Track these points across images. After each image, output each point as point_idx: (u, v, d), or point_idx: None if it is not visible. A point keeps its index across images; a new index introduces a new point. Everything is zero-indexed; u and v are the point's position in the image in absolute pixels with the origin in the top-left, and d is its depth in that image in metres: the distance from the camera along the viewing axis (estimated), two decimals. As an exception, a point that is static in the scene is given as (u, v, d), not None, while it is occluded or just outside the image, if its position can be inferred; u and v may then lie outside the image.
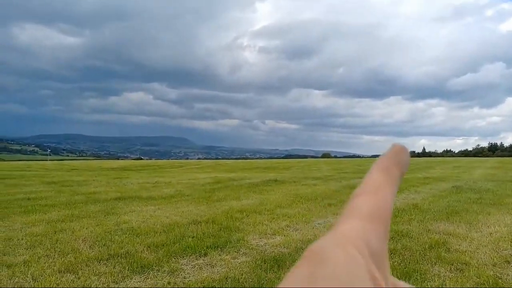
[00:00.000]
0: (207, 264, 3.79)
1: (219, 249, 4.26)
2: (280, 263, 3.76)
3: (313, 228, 5.34)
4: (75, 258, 3.96)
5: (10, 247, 4.34)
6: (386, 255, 0.32)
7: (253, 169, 17.73)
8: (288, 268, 3.59)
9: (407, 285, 0.33)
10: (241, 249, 4.28)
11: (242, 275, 3.46)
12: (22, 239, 4.72)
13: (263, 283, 3.29)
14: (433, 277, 3.34)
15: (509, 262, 3.74)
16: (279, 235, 4.89)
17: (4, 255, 4.04)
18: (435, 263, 3.69)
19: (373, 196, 0.31)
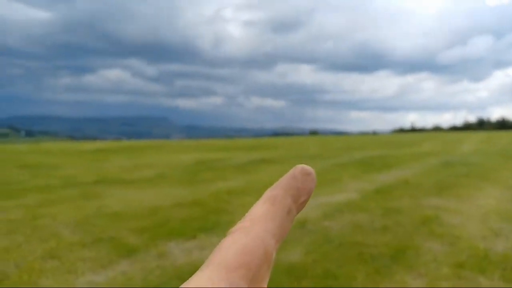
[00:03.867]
0: (197, 247, 3.68)
1: (208, 232, 4.15)
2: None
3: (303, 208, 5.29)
4: (57, 244, 3.79)
5: (-14, 235, 4.11)
6: None
7: (239, 148, 17.58)
8: (279, 248, 3.53)
9: None
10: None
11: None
12: (-1, 226, 4.48)
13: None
14: (426, 252, 3.33)
15: (497, 235, 3.78)
16: (268, 215, 4.82)
17: (-20, 244, 3.81)
18: (427, 238, 3.70)
19: (244, 236, 0.28)
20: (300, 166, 0.30)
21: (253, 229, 0.28)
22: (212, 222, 4.55)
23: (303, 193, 0.29)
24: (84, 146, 21.33)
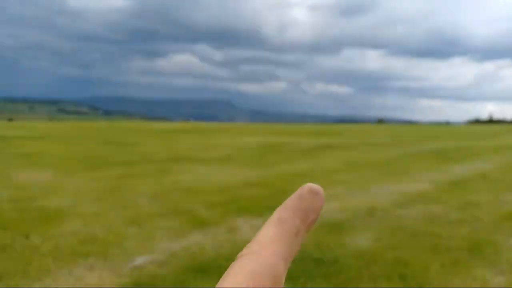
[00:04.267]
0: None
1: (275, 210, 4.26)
2: (339, 228, 3.68)
3: (370, 194, 5.18)
4: (138, 212, 4.13)
5: (81, 199, 4.61)
6: None
7: (303, 134, 17.53)
8: (347, 234, 3.51)
9: None
10: (297, 212, 4.25)
11: (301, 237, 3.42)
12: (89, 192, 4.99)
13: (323, 247, 3.23)
14: (508, 249, 3.11)
15: None
16: (335, 201, 4.79)
17: (76, 206, 4.29)
18: (509, 234, 3.44)
19: (253, 261, 0.27)
20: (308, 186, 0.29)
21: (261, 254, 0.27)
22: (279, 202, 4.56)
23: (312, 213, 0.28)
24: (157, 126, 22.67)
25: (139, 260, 2.83)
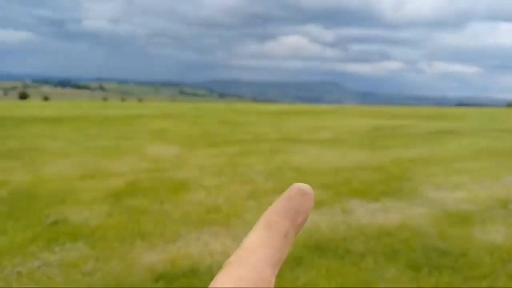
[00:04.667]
0: (380, 210, 3.66)
1: (391, 196, 4.07)
2: (465, 220, 3.36)
3: (502, 185, 4.59)
4: (254, 188, 4.36)
5: (203, 172, 5.06)
6: None
7: (419, 117, 16.21)
8: (476, 227, 3.19)
9: None
10: (415, 199, 3.99)
11: (421, 226, 3.22)
12: (210, 167, 5.44)
13: (448, 238, 2.99)
14: None
15: None
16: (460, 190, 4.37)
17: (200, 179, 4.73)
18: None
19: (240, 267, 0.26)
20: (296, 186, 0.28)
21: (248, 260, 0.26)
22: (394, 187, 4.43)
23: (301, 214, 0.27)
24: (267, 108, 23.35)
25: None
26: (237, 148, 7.02)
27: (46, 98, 73.41)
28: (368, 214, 3.55)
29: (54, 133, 8.58)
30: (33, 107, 18.60)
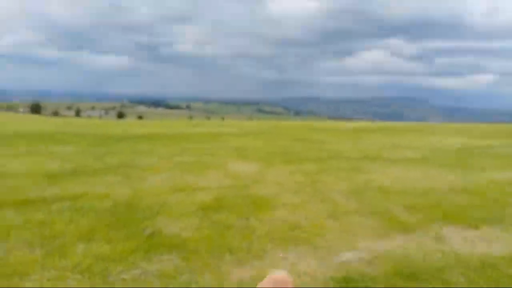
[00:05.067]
0: (480, 239, 3.34)
1: (491, 224, 3.70)
2: None
3: None
4: (334, 208, 4.27)
5: (282, 190, 5.09)
6: None
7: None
8: None
9: None
10: (521, 229, 3.58)
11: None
12: (289, 184, 5.46)
13: None
14: None
15: None
16: None
17: (279, 196, 4.76)
18: None
19: None
20: (272, 278, 0.28)
21: None
22: (495, 213, 4.02)
23: None
24: (342, 124, 22.86)
25: (345, 256, 2.93)
26: (314, 166, 6.95)
27: (140, 117, 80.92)
28: (465, 243, 3.27)
29: (147, 149, 9.32)
30: (129, 125, 20.49)
